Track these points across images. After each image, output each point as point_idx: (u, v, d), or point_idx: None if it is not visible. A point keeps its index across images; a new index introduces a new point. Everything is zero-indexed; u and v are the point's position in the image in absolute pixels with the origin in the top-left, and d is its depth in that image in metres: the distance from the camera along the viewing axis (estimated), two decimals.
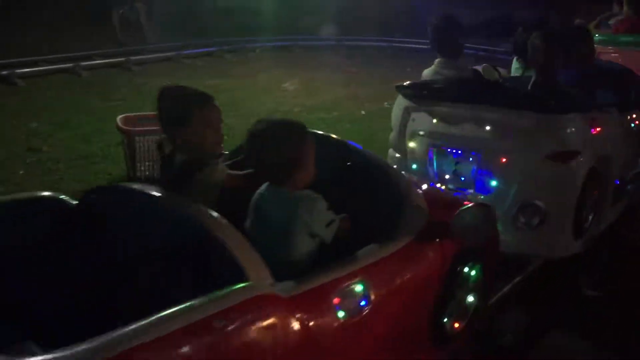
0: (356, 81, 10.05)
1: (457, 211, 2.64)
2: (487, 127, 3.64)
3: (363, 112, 7.97)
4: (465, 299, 2.82)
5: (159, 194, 2.14)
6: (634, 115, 4.37)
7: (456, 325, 2.78)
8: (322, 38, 14.05)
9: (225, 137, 6.80)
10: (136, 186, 2.31)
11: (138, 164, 5.06)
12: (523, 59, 4.69)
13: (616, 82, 4.44)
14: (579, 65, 4.27)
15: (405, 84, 4.03)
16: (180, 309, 1.66)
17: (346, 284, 2.13)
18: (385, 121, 7.58)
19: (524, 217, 3.57)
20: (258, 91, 9.04)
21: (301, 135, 2.26)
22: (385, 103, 8.42)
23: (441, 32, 4.12)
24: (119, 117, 5.17)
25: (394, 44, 13.88)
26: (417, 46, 13.75)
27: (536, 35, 3.94)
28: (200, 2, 16.03)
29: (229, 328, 1.73)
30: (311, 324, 1.97)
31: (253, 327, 1.80)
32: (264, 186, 2.32)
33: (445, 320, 2.70)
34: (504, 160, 3.60)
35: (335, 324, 2.07)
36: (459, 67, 4.11)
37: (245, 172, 2.45)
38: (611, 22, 7.22)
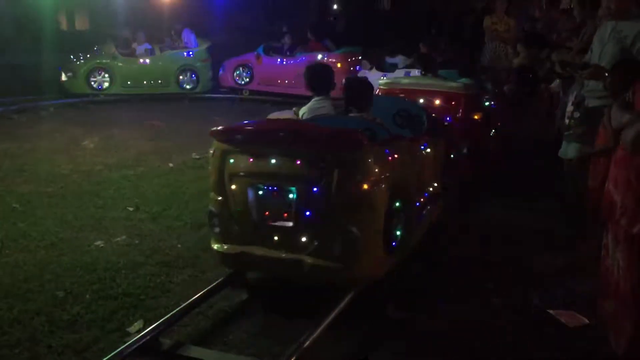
0: (161, 134, 9.73)
1: None
2: None
3: (171, 165, 7.72)
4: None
5: None
6: None
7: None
8: (118, 93, 13.40)
9: (16, 206, 6.14)
10: None
11: None
12: None
13: None
14: None
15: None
16: None
17: None
18: (194, 172, 7.46)
19: None
20: (54, 152, 8.33)
21: None
22: (194, 154, 8.26)
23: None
24: None
25: (195, 95, 13.73)
26: (217, 95, 13.87)
27: None
28: None
29: None
30: None
31: None
32: None
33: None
34: None
35: None
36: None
37: None
38: None
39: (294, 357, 3.21)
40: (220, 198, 4.01)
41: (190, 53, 13.72)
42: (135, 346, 3.34)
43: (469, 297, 4.25)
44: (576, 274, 4.55)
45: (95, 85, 13.01)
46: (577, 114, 5.09)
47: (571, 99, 5.32)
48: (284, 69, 13.42)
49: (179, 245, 5.08)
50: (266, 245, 3.88)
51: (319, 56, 12.94)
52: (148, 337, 3.43)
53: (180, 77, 13.58)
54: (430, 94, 6.42)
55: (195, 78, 13.69)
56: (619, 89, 4.02)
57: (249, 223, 3.92)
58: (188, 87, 13.69)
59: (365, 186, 3.68)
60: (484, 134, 6.79)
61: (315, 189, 3.70)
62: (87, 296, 4.14)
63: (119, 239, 5.21)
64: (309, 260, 3.74)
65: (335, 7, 22.18)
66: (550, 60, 6.71)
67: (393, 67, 11.49)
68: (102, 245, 5.07)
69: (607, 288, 3.55)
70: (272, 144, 3.88)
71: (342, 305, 3.72)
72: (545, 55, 7.56)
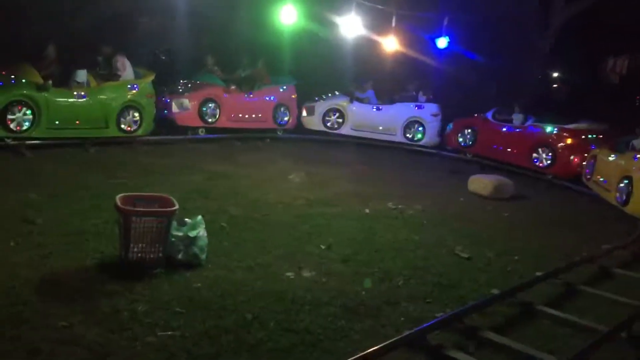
0: (363, 179, 9.99)
1: None
2: None
3: (367, 211, 7.85)
4: None
5: None
6: None
7: None
8: (334, 134, 13.98)
9: (225, 225, 6.61)
10: None
11: (131, 245, 4.89)
12: None
13: None
14: None
15: None
16: None
17: None
18: (388, 221, 7.49)
19: None
20: (263, 181, 8.98)
21: None
22: (390, 204, 8.31)
23: None
24: (118, 196, 5.05)
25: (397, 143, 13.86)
26: (424, 149, 13.77)
27: None
28: None
29: None
30: None
31: None
32: None
33: None
34: None
35: None
36: None
37: None
38: None
39: None
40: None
41: (136, 86, 11.08)
42: None
43: None
44: None
45: (12, 126, 9.39)
46: None
47: None
48: (247, 104, 12.98)
49: (364, 293, 5.09)
50: None
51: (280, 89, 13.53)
52: None
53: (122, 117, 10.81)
54: None
55: (138, 118, 11.03)
56: None
57: None
58: (130, 128, 10.93)
59: None
60: None
61: None
62: (272, 324, 4.31)
63: (308, 274, 5.38)
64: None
65: (555, 75, 21.28)
66: None
67: None
68: (292, 277, 5.28)
69: None
70: None
71: None
72: None
